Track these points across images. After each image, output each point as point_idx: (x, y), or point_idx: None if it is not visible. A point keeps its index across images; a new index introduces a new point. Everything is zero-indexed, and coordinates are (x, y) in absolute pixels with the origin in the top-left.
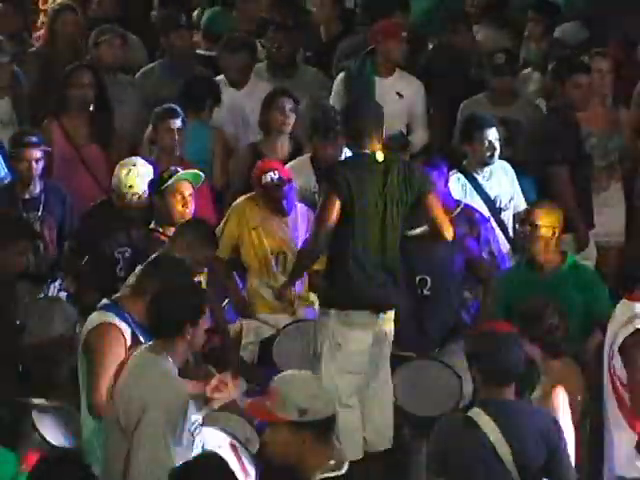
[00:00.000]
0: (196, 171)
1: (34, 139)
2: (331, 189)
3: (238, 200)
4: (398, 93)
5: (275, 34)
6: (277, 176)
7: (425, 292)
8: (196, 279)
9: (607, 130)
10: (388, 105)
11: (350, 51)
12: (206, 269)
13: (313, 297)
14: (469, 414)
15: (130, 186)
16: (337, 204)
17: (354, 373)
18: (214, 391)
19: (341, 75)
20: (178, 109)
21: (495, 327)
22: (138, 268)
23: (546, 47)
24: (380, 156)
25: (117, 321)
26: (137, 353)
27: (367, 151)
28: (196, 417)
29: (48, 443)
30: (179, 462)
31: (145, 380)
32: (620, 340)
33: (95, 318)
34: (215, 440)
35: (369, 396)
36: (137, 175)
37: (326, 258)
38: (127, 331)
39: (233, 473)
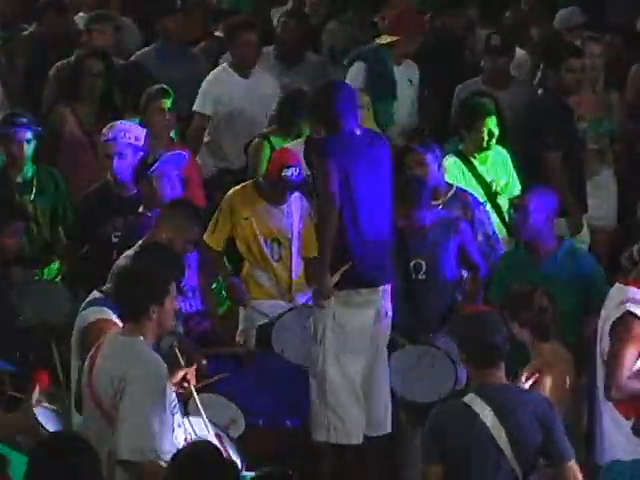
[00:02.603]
0: (179, 152)
1: (24, 120)
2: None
3: (229, 192)
4: (409, 80)
5: (287, 20)
6: (297, 173)
7: (420, 276)
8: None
9: (598, 114)
10: (402, 92)
11: (343, 36)
12: (196, 251)
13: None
14: (464, 400)
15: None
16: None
17: (357, 353)
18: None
19: (360, 65)
20: (169, 89)
21: (476, 310)
22: (125, 253)
23: (546, 32)
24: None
25: (113, 316)
26: (109, 338)
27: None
28: (174, 398)
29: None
30: (162, 441)
31: (122, 361)
32: (610, 322)
33: (90, 314)
34: (200, 431)
35: (373, 378)
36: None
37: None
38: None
39: (229, 461)
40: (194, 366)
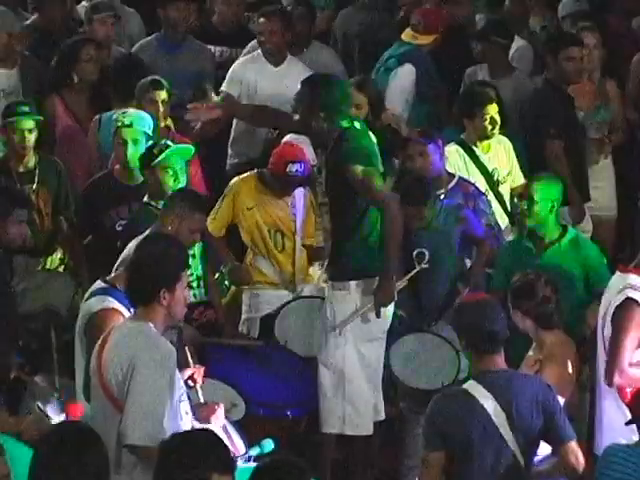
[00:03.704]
0: (186, 145)
1: (26, 109)
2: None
3: (234, 180)
4: None
5: (295, 9)
6: (302, 169)
7: (423, 265)
8: (190, 252)
9: (594, 104)
10: None
11: (357, 23)
12: (200, 241)
13: (313, 272)
14: (465, 387)
15: (126, 120)
16: None
17: (376, 340)
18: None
19: (410, 68)
20: (163, 81)
21: (475, 297)
22: (132, 242)
23: (546, 21)
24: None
25: (117, 305)
26: (119, 325)
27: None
28: (182, 385)
29: (48, 417)
30: (169, 425)
31: (132, 345)
32: (612, 309)
33: (95, 304)
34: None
35: (379, 363)
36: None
37: (334, 235)
38: (127, 314)
39: (227, 447)
40: (202, 367)
